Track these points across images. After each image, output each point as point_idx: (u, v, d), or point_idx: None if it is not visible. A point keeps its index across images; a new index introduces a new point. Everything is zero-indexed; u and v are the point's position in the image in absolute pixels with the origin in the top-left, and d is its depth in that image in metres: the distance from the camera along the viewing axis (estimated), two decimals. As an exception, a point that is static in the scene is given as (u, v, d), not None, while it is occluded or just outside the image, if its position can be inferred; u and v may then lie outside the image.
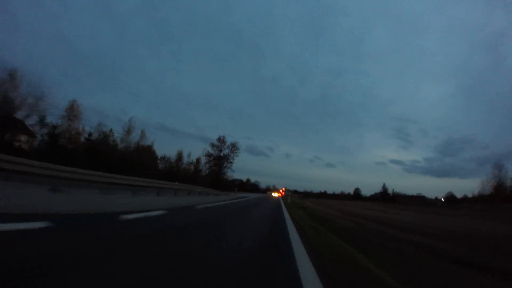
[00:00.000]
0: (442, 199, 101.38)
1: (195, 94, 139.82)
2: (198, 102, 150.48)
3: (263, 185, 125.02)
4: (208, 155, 51.89)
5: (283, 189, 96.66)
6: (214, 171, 50.87)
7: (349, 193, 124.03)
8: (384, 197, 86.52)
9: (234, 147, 54.01)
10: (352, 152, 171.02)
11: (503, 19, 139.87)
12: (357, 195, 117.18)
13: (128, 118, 29.40)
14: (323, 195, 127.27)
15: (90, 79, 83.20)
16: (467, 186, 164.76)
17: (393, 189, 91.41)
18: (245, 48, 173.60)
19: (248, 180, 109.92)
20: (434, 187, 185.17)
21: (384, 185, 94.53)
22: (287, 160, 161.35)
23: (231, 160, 53.68)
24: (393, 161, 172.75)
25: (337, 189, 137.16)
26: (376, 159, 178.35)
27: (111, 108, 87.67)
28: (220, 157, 52.56)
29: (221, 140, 53.52)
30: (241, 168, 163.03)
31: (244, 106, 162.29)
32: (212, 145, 52.60)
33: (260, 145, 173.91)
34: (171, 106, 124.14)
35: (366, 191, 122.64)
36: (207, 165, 50.38)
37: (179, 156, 39.66)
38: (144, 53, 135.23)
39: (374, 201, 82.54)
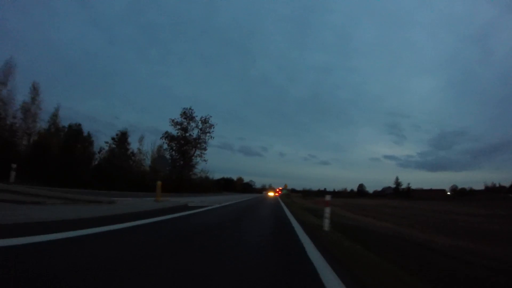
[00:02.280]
0: (448, 193, 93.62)
1: (186, 96, 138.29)
2: (189, 104, 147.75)
3: (258, 185, 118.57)
4: (170, 138, 35.51)
5: (280, 188, 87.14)
6: (177, 165, 35.34)
7: (352, 190, 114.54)
8: (398, 192, 76.58)
9: (206, 123, 37.90)
10: (346, 149, 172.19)
11: (490, 11, 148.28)
12: (361, 191, 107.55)
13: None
14: (323, 193, 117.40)
15: (79, 85, 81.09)
16: (463, 179, 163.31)
17: (409, 184, 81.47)
18: (233, 49, 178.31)
19: (240, 179, 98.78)
20: (430, 181, 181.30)
21: (397, 180, 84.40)
22: (282, 160, 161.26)
23: (202, 144, 37.84)
24: (387, 157, 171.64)
25: (334, 187, 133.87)
26: (370, 155, 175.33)
27: (101, 113, 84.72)
28: (186, 139, 36.99)
29: (187, 114, 36.91)
30: (234, 168, 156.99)
31: (235, 107, 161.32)
32: (175, 123, 36.10)
33: (253, 146, 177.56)
34: (162, 110, 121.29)
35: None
36: (168, 154, 35.43)
37: (122, 145, 28.08)
38: (133, 58, 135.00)
39: (383, 197, 72.63)
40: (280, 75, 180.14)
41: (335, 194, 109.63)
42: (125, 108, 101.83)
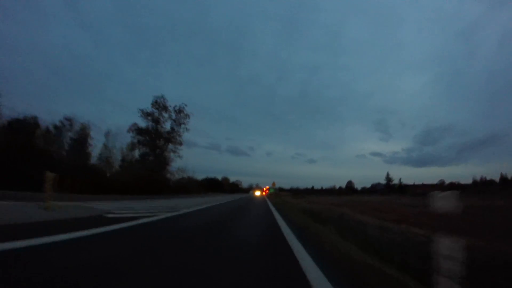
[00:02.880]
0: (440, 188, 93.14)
1: (175, 98, 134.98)
2: (177, 105, 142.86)
3: (245, 185, 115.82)
4: (138, 130, 30.03)
5: (267, 187, 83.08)
6: (147, 162, 28.82)
7: (340, 187, 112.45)
8: (389, 188, 74.32)
9: (180, 113, 32.70)
10: (334, 147, 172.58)
11: (476, 8, 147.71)
12: (350, 188, 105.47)
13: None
14: (311, 191, 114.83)
15: (68, 89, 76.32)
16: (449, 173, 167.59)
17: (401, 179, 79.17)
18: (222, 49, 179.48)
19: (226, 179, 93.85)
20: (416, 177, 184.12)
21: (388, 175, 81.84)
22: (269, 159, 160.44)
23: (176, 137, 32.37)
24: (373, 154, 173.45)
25: (321, 184, 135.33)
26: (357, 153, 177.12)
27: (91, 117, 76.47)
28: (158, 132, 31.19)
29: (160, 104, 31.69)
30: (221, 168, 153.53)
31: (224, 107, 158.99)
32: (145, 114, 30.61)
33: (241, 145, 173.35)
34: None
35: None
36: (137, 151, 29.96)
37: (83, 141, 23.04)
38: (122, 60, 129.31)
39: (374, 193, 70.20)
40: (269, 74, 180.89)
41: (324, 192, 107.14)
42: (115, 111, 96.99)
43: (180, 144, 33.53)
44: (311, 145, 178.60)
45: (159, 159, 30.94)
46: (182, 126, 33.19)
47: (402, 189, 69.80)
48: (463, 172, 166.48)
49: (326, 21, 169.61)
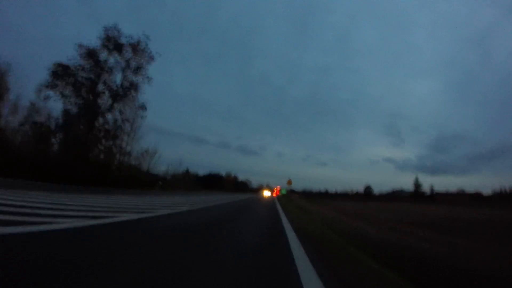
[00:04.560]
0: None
1: (185, 95, 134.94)
2: (188, 103, 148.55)
3: (255, 184, 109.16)
4: (63, 74, 18.02)
5: (278, 187, 75.69)
6: (79, 132, 17.76)
7: (357, 192, 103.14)
8: (418, 196, 64.91)
9: (138, 52, 20.62)
10: (345, 150, 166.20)
11: (490, 13, 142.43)
12: (368, 193, 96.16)
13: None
14: (325, 194, 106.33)
15: None
16: (462, 183, 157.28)
17: (432, 186, 69.37)
18: (232, 48, 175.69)
19: (229, 175, 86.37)
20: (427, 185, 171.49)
21: (416, 180, 71.94)
22: (280, 160, 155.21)
23: (129, 93, 20.57)
24: (386, 159, 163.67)
25: (333, 187, 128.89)
26: (368, 157, 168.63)
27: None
28: (99, 79, 19.47)
29: (112, 39, 19.71)
30: (231, 167, 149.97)
31: (234, 106, 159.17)
32: (86, 54, 18.78)
33: (251, 145, 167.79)
34: (161, 108, 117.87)
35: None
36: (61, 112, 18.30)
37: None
38: None
39: (400, 201, 61.27)
40: (279, 75, 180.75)
41: (340, 196, 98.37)
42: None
43: (143, 108, 20.69)
44: (321, 147, 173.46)
45: (98, 129, 19.30)
46: (140, 74, 20.61)
47: (433, 197, 60.42)
48: (476, 182, 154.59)
49: (337, 23, 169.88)
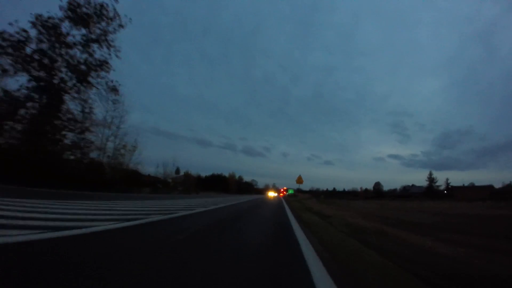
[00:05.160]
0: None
1: (188, 96, 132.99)
2: (191, 104, 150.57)
3: (261, 185, 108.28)
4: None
5: (284, 188, 72.66)
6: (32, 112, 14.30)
7: (366, 189, 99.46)
8: (433, 192, 61.07)
9: (102, 16, 16.20)
10: (350, 149, 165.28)
11: (493, 10, 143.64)
12: (378, 191, 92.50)
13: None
14: (333, 193, 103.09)
15: None
16: (468, 178, 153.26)
17: (448, 180, 65.21)
18: (236, 48, 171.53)
19: (233, 176, 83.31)
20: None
21: (430, 175, 67.59)
22: (285, 160, 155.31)
23: (92, 68, 16.40)
24: (391, 156, 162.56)
25: (340, 186, 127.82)
26: (374, 155, 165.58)
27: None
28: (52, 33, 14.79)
29: (74, 4, 15.35)
30: (236, 168, 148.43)
31: (238, 107, 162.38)
32: (39, 23, 14.46)
33: (256, 146, 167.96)
34: (165, 110, 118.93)
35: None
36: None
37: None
38: (135, 58, 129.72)
39: (414, 198, 57.75)
40: (282, 75, 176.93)
41: (348, 194, 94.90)
42: (128, 108, 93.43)
43: (114, 90, 17.08)
44: (326, 147, 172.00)
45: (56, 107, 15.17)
46: (105, 43, 16.45)
47: (450, 192, 56.46)
48: (482, 176, 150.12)
49: (340, 23, 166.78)
